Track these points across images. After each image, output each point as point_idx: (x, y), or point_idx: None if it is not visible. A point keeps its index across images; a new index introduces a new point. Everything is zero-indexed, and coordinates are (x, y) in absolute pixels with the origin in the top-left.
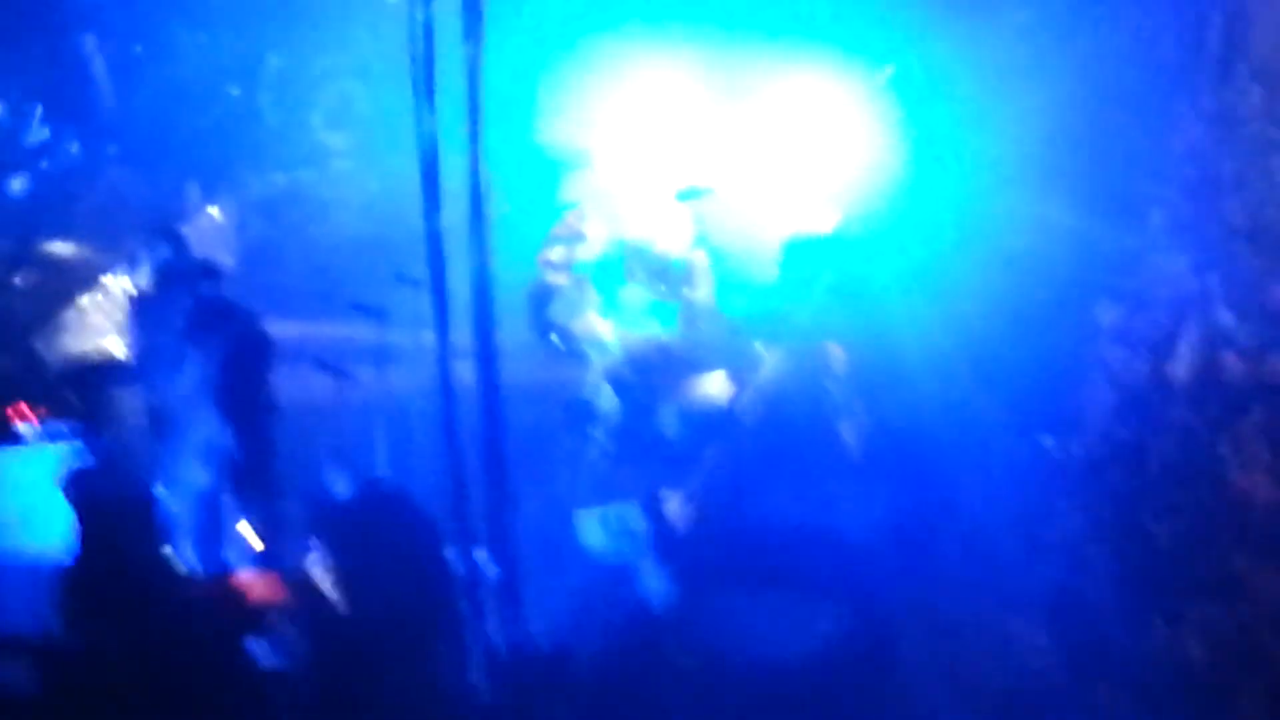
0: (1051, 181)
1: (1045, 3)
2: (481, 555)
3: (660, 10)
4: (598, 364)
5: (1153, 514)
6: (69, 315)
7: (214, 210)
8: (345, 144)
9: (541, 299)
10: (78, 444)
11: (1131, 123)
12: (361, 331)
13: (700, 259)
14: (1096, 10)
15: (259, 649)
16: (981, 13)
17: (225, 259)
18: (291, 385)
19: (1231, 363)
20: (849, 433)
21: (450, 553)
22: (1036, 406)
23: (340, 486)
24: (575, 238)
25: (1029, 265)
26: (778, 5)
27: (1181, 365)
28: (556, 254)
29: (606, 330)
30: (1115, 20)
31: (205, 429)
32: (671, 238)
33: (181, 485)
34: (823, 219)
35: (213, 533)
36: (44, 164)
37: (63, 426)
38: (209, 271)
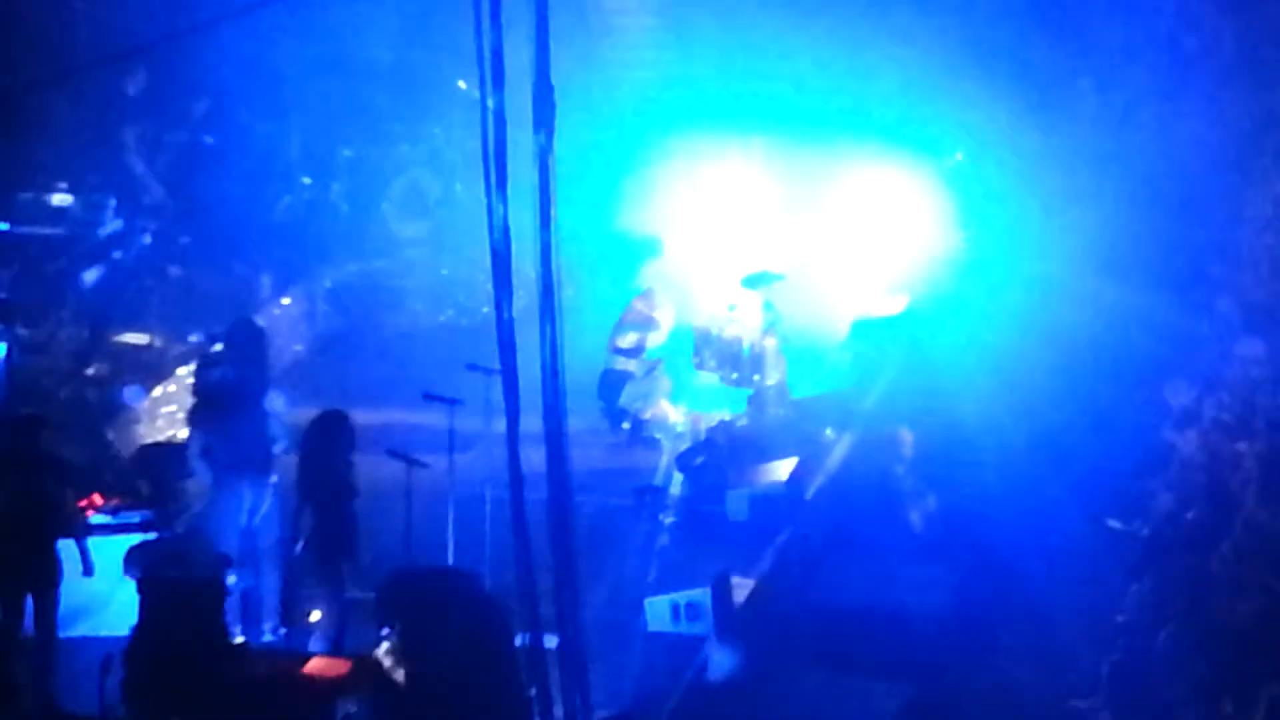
0: (1122, 266)
1: (1116, 89)
2: (551, 640)
3: (731, 97)
4: (668, 449)
5: (1220, 595)
6: (141, 405)
7: (286, 300)
8: (417, 233)
9: (612, 385)
10: (149, 531)
11: (1203, 206)
12: (433, 419)
13: (770, 345)
14: (1167, 96)
15: None
16: (1054, 100)
17: (298, 349)
18: (364, 473)
19: None
20: (917, 516)
21: (520, 638)
22: (1105, 488)
23: (410, 571)
24: (646, 324)
25: (1099, 349)
26: (848, 94)
27: (1251, 447)
28: (627, 340)
29: (677, 416)
30: (1185, 105)
31: (277, 514)
32: (742, 324)
33: (253, 570)
34: (892, 305)
35: (283, 617)
36: (117, 254)
37: (135, 515)
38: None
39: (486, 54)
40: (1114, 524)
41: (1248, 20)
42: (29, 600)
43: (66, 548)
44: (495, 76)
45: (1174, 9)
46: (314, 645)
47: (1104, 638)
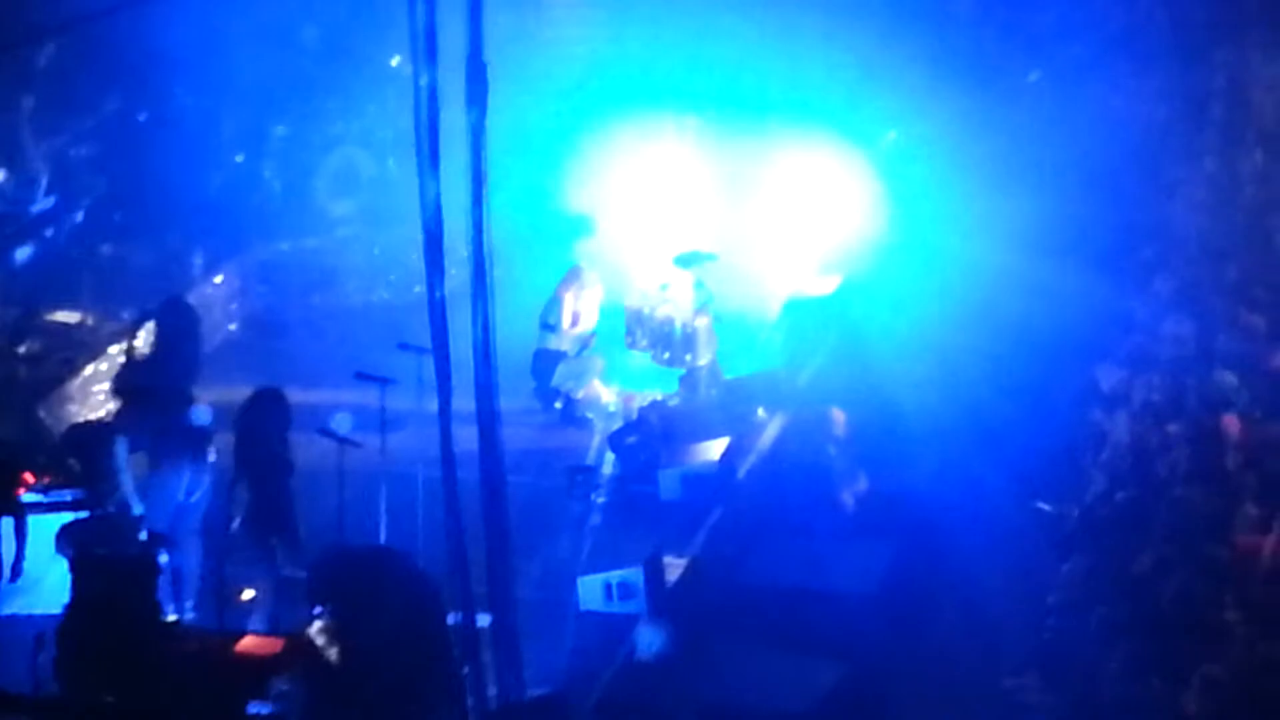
0: (1054, 245)
1: (1051, 69)
2: (483, 619)
3: (664, 77)
4: (600, 429)
5: (1150, 573)
6: (73, 383)
7: (218, 278)
8: (349, 211)
9: (544, 364)
10: (81, 509)
11: (1135, 186)
12: (365, 398)
13: (702, 324)
14: (1099, 76)
15: (259, 709)
16: (986, 79)
17: (229, 326)
18: (295, 452)
19: (1231, 424)
20: (849, 495)
21: (451, 616)
22: (1036, 468)
23: (343, 550)
24: (577, 303)
25: (1030, 329)
26: (782, 72)
27: (1180, 428)
28: (558, 319)
29: (609, 395)
30: (1118, 85)
31: (209, 492)
32: (674, 303)
33: (185, 548)
34: (824, 284)
35: (215, 594)
36: (49, 232)
37: (66, 493)
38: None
39: (420, 31)
40: (1043, 506)
41: (1178, 1)
42: None
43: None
44: (428, 54)
45: None
46: (247, 623)
47: (1035, 617)
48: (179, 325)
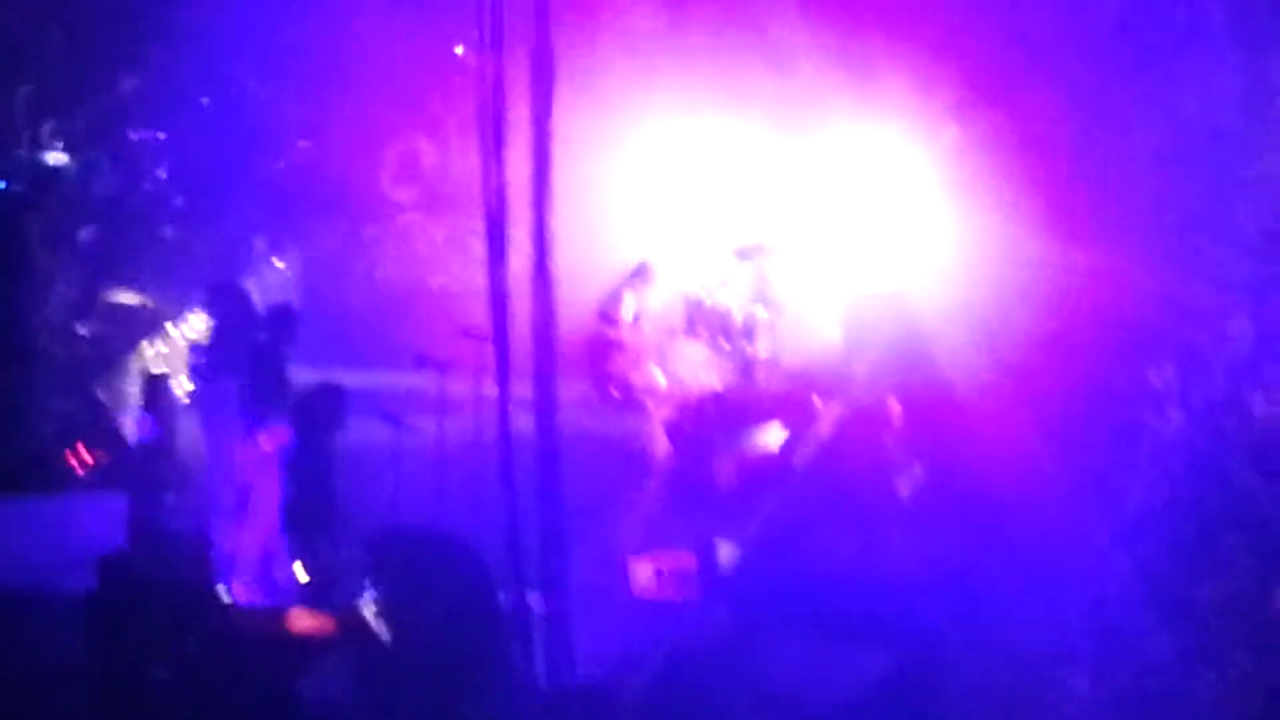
0: (1115, 239)
1: (1113, 64)
2: (534, 599)
3: (726, 65)
4: (655, 415)
5: (1205, 568)
6: (132, 364)
7: (279, 262)
8: (410, 198)
9: (602, 351)
10: (137, 488)
11: (1195, 182)
12: (423, 382)
13: (760, 314)
14: (1159, 68)
15: (309, 686)
16: (1044, 73)
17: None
18: (353, 435)
19: None
20: (905, 485)
21: (504, 599)
22: (1094, 459)
23: (397, 530)
24: (637, 291)
25: (1090, 322)
26: (844, 64)
27: (1235, 423)
28: (618, 308)
29: (665, 382)
30: (1178, 77)
31: (263, 471)
32: (733, 293)
33: (239, 526)
34: (883, 276)
35: (267, 571)
36: (110, 214)
37: (123, 471)
38: (273, 322)
39: (485, 18)
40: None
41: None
42: None
43: None
44: (493, 42)
45: None
46: (299, 601)
47: (1090, 607)
48: (237, 309)
